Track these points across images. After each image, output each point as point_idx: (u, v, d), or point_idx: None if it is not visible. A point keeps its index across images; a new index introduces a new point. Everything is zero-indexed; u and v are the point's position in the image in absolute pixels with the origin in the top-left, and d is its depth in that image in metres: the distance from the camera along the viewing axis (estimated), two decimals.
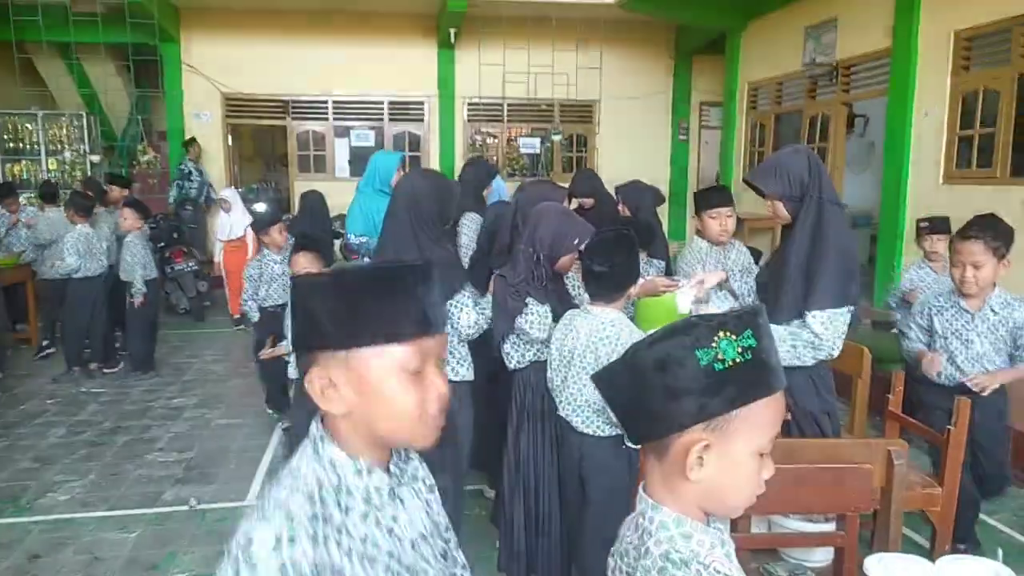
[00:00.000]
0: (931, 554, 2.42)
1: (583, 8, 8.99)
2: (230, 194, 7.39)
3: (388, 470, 1.02)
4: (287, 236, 4.69)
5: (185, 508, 3.60)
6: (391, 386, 0.95)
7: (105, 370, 5.82)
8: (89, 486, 3.85)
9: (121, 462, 4.14)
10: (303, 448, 1.00)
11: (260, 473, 3.97)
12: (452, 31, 9.46)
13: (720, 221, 3.57)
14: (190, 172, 9.26)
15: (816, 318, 2.28)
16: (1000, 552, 1.50)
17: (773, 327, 2.17)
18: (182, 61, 9.64)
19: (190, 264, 7.58)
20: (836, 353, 2.35)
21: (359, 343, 0.94)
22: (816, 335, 2.28)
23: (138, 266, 5.60)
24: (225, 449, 4.35)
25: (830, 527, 2.02)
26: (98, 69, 9.86)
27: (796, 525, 2.03)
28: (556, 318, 2.59)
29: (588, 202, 4.59)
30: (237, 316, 6.89)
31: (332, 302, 0.95)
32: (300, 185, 10.19)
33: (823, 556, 2.00)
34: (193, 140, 9.53)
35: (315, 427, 1.00)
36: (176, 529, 3.41)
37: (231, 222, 7.12)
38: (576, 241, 2.63)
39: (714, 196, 3.71)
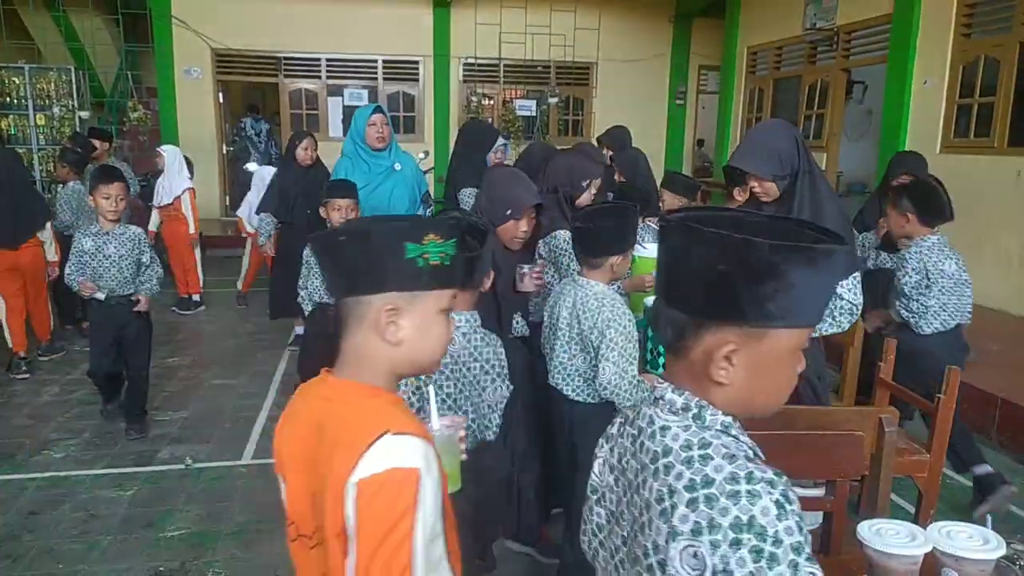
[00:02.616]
0: (916, 519, 2.48)
1: None
2: (170, 151, 6.38)
3: None
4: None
5: (181, 467, 3.63)
6: (784, 365, 0.96)
7: None
8: (84, 444, 3.87)
9: (116, 421, 4.15)
10: (671, 423, 0.97)
11: (255, 433, 4.00)
12: None
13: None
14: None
15: (845, 286, 2.38)
16: (989, 519, 1.53)
17: None
18: (172, 15, 9.45)
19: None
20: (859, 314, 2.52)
21: (783, 324, 0.92)
22: (851, 302, 2.39)
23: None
24: (220, 408, 4.37)
25: (818, 492, 2.06)
26: (86, 23, 9.65)
27: None
28: None
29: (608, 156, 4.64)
30: (186, 297, 6.48)
31: (774, 281, 0.89)
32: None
33: (810, 521, 2.04)
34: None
35: (678, 396, 0.97)
36: (172, 487, 3.43)
37: (168, 184, 6.22)
38: (589, 180, 2.74)
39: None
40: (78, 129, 9.01)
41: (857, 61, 7.11)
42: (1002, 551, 1.31)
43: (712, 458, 0.90)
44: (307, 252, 3.69)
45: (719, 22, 9.37)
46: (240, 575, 2.79)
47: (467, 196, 3.91)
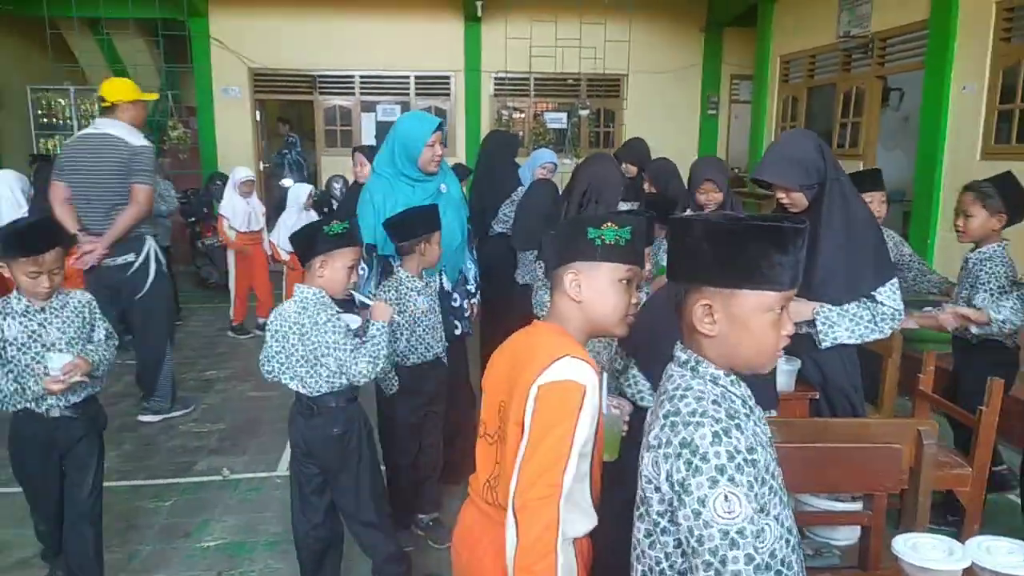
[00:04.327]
0: (959, 535, 2.41)
1: None
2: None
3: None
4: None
5: (218, 478, 3.69)
6: (757, 322, 1.20)
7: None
8: (124, 456, 3.95)
9: (155, 433, 4.24)
10: (675, 373, 1.27)
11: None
12: (479, 4, 9.37)
13: (875, 207, 3.32)
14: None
15: (883, 293, 2.38)
16: None
17: (852, 307, 2.33)
18: (210, 36, 9.67)
19: (220, 238, 7.66)
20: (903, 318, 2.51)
21: (749, 286, 1.18)
22: (893, 308, 2.39)
23: None
24: (256, 420, 4.43)
25: (856, 506, 2.02)
26: (128, 44, 9.93)
27: (821, 503, 2.03)
28: None
29: (631, 170, 4.63)
30: (239, 324, 6.41)
31: (733, 248, 1.18)
32: (327, 160, 10.24)
33: (848, 535, 2.00)
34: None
35: (683, 353, 1.27)
36: (209, 498, 3.49)
37: (254, 208, 6.27)
38: (618, 188, 2.86)
39: (867, 179, 3.48)
40: None
41: (893, 68, 7.00)
42: None
43: (686, 397, 1.20)
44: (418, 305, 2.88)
45: (751, 31, 9.30)
46: None
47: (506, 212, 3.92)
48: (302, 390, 2.42)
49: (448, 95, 10.41)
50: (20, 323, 2.38)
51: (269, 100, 10.92)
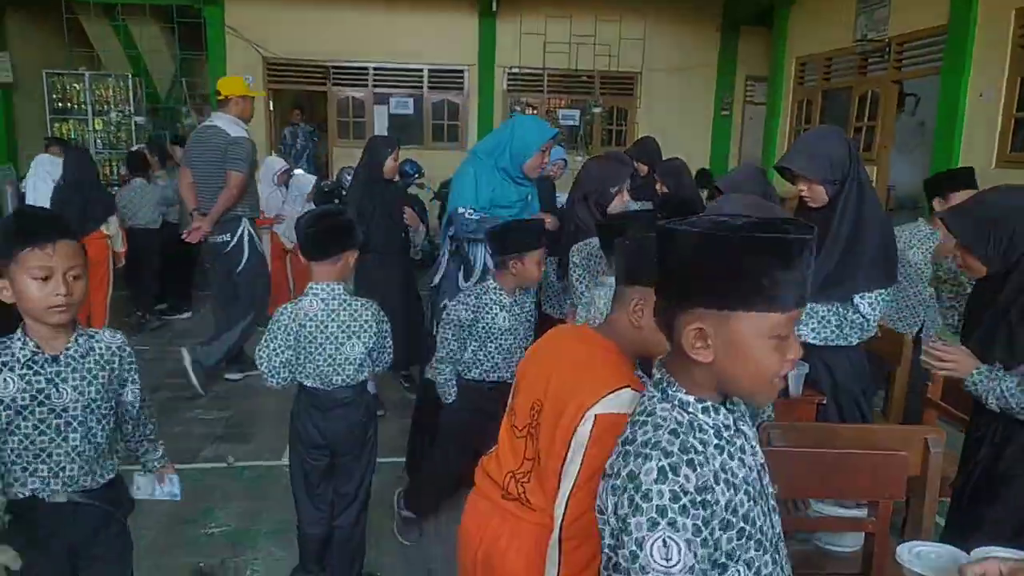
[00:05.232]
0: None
1: None
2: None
3: (726, 408, 1.12)
4: None
5: (223, 465, 3.71)
6: (757, 347, 1.03)
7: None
8: None
9: (162, 419, 4.24)
10: (646, 394, 1.15)
11: None
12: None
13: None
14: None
15: (865, 299, 2.33)
16: None
17: (821, 308, 2.23)
18: (225, 24, 9.69)
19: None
20: (873, 332, 2.41)
21: (745, 307, 1.02)
22: (864, 317, 2.34)
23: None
24: (262, 409, 4.45)
25: (862, 513, 2.01)
26: (143, 31, 9.96)
27: (827, 509, 2.02)
28: None
29: (643, 169, 4.61)
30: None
31: (726, 263, 1.01)
32: (339, 152, 10.25)
33: (853, 542, 1.99)
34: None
35: (660, 373, 1.14)
36: (214, 485, 3.51)
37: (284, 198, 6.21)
38: (618, 186, 2.77)
39: (960, 178, 3.37)
40: (134, 134, 9.36)
41: (910, 73, 6.96)
42: None
43: (646, 424, 1.08)
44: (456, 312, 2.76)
45: (767, 31, 9.25)
46: (277, 573, 2.84)
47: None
48: (320, 386, 2.45)
49: (461, 89, 10.40)
50: (22, 377, 1.68)
51: (282, 90, 10.94)
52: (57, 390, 1.71)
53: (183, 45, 9.68)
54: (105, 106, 9.65)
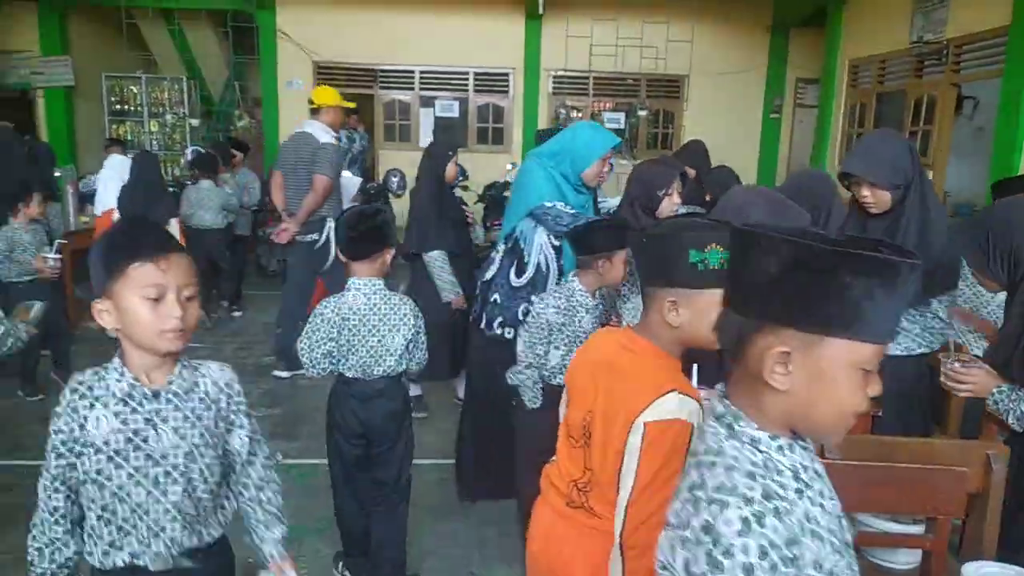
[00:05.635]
0: None
1: None
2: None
3: (800, 445, 1.00)
4: None
5: (272, 462, 3.77)
6: (844, 380, 0.93)
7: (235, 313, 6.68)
8: None
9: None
10: (708, 430, 1.00)
11: None
12: (540, 2, 9.37)
13: None
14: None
15: (942, 303, 2.35)
16: None
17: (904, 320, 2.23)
18: (277, 29, 9.89)
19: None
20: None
21: (842, 333, 0.90)
22: (944, 321, 2.36)
23: None
24: (310, 408, 4.51)
25: (917, 529, 1.96)
26: (198, 35, 10.24)
27: (881, 524, 1.97)
28: None
29: (690, 173, 4.58)
30: None
31: (827, 281, 0.89)
32: (385, 155, 10.37)
33: (908, 559, 1.94)
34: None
35: (721, 404, 1.01)
36: None
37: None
38: (664, 188, 2.77)
39: None
40: (188, 136, 9.63)
41: (968, 76, 6.75)
42: None
43: (716, 465, 0.95)
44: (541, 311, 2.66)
45: (819, 32, 9.08)
46: (324, 569, 2.88)
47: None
48: (361, 376, 2.54)
49: (506, 92, 10.43)
50: (117, 415, 1.41)
51: None
52: (156, 432, 1.43)
53: (236, 49, 9.91)
54: (160, 108, 9.94)
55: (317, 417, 4.34)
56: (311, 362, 2.53)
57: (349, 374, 2.56)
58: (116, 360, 1.44)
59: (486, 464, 3.33)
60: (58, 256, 4.12)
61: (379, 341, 2.51)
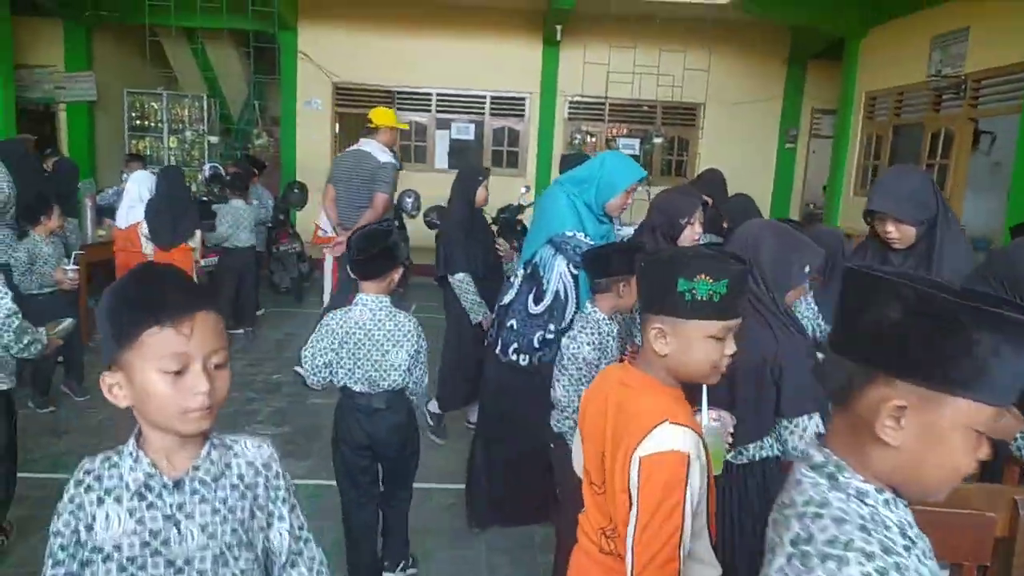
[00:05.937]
0: None
1: (694, 8, 8.78)
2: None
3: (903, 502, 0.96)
4: None
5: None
6: (960, 441, 0.88)
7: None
8: None
9: (223, 432, 4.34)
10: (806, 480, 0.95)
11: None
12: (558, 28, 9.45)
13: None
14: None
15: None
16: None
17: None
18: (298, 50, 10.01)
19: (294, 246, 7.89)
20: None
21: (966, 393, 0.85)
22: None
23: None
24: (320, 427, 4.50)
25: (943, 575, 1.92)
26: (220, 54, 10.38)
27: None
28: None
29: (708, 200, 4.57)
30: None
31: (955, 336, 0.83)
32: (400, 175, 10.39)
33: None
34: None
35: (820, 454, 0.96)
36: None
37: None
38: (687, 217, 2.77)
39: None
40: (207, 153, 9.75)
41: (987, 111, 6.74)
42: None
43: (822, 517, 0.89)
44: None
45: (836, 63, 9.11)
46: None
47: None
48: (367, 389, 2.61)
49: (522, 116, 10.49)
50: (131, 513, 1.14)
51: (348, 113, 11.21)
52: (179, 531, 1.15)
53: (256, 68, 10.03)
54: (180, 125, 10.07)
55: (326, 436, 4.31)
56: (312, 370, 2.62)
57: (355, 388, 2.62)
58: (131, 442, 1.17)
59: (498, 491, 3.30)
60: (76, 268, 4.22)
61: (383, 356, 2.58)
